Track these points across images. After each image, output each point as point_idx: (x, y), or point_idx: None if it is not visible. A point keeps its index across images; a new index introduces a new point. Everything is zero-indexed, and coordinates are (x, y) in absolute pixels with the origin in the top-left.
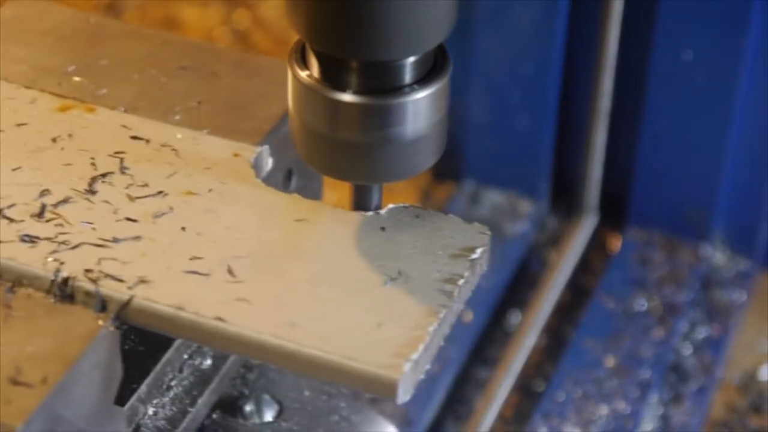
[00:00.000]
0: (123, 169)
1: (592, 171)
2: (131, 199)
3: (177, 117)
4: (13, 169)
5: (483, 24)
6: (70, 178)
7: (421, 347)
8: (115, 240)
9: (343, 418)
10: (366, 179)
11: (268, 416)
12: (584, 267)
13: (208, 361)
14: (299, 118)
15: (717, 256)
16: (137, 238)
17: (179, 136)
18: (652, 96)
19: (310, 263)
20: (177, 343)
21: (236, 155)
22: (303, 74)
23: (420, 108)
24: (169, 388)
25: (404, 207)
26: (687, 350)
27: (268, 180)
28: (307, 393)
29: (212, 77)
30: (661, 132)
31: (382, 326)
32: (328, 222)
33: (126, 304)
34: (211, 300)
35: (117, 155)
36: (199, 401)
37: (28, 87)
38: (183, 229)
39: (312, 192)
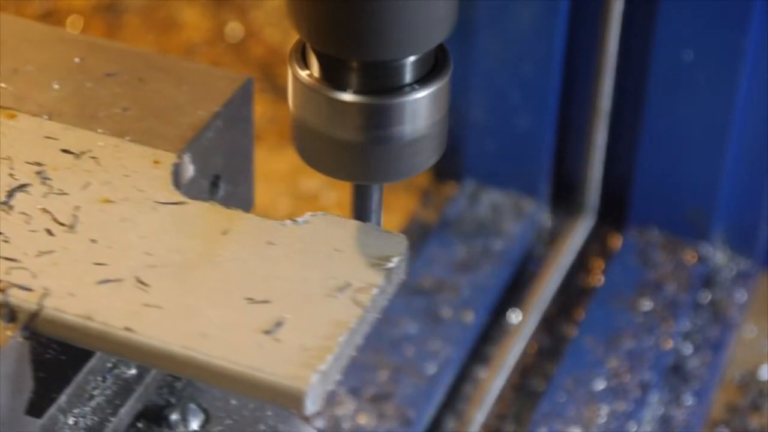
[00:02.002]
0: (42, 179)
1: (592, 171)
2: (46, 209)
3: (101, 124)
4: None
5: (483, 24)
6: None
7: (330, 358)
8: (26, 251)
9: (270, 428)
10: (366, 179)
11: (194, 425)
12: (584, 267)
13: (133, 371)
14: (299, 117)
15: (717, 256)
16: (49, 249)
17: (101, 143)
18: (652, 96)
19: (225, 273)
20: (95, 356)
21: (156, 162)
22: (303, 74)
23: (420, 108)
24: (91, 397)
25: (323, 215)
26: (687, 350)
27: (193, 187)
28: (233, 402)
29: (139, 83)
30: (661, 132)
31: (292, 336)
32: (247, 230)
33: (35, 315)
34: (122, 309)
35: (36, 164)
36: (122, 410)
37: None
38: (95, 239)
39: (241, 199)
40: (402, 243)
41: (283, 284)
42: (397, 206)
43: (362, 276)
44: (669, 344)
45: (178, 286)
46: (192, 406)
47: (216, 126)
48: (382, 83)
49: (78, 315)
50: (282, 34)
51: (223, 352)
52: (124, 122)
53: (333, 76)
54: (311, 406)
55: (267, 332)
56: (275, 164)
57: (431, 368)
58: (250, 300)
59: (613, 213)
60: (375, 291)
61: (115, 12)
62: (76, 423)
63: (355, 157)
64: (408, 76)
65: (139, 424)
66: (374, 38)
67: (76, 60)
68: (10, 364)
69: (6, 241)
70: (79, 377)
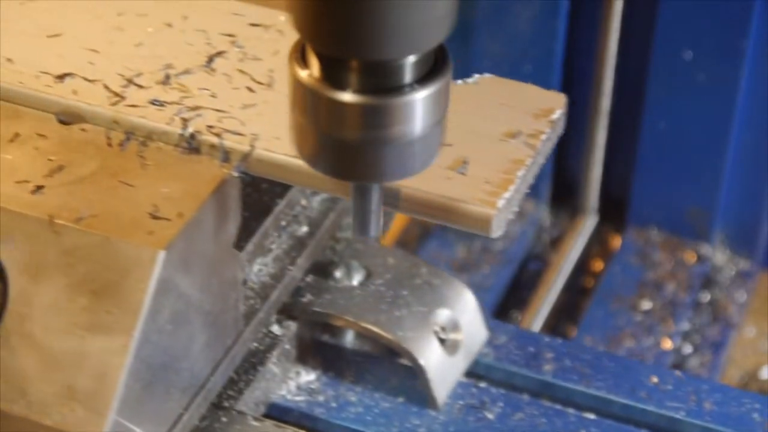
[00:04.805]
0: (236, 47)
1: (592, 171)
2: (244, 71)
3: (278, 5)
4: (135, 45)
5: (483, 24)
6: (189, 54)
7: (512, 188)
8: (232, 104)
9: (425, 282)
10: (366, 179)
11: (357, 280)
12: (584, 267)
13: (304, 228)
14: (299, 117)
15: (717, 256)
16: (252, 102)
17: (282, 18)
18: (652, 96)
19: None
20: (276, 210)
21: None
22: (303, 74)
23: (420, 108)
24: (269, 250)
25: (489, 76)
26: (687, 350)
27: None
28: (390, 260)
29: None
30: (661, 132)
31: (476, 172)
32: None
33: (247, 155)
34: None
35: (229, 35)
36: (298, 261)
37: None
38: None
39: None
40: (562, 98)
41: (462, 131)
42: None
43: (530, 125)
44: (669, 344)
45: None
46: (354, 263)
47: None
48: (382, 83)
49: (286, 154)
50: None
51: (419, 184)
52: None
53: (333, 76)
54: (497, 229)
55: (454, 168)
56: None
57: None
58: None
59: (613, 213)
60: (543, 137)
61: None
62: (260, 270)
63: (355, 157)
64: (408, 76)
65: (308, 278)
66: (374, 38)
67: None
68: (226, 197)
69: (213, 96)
70: (260, 230)
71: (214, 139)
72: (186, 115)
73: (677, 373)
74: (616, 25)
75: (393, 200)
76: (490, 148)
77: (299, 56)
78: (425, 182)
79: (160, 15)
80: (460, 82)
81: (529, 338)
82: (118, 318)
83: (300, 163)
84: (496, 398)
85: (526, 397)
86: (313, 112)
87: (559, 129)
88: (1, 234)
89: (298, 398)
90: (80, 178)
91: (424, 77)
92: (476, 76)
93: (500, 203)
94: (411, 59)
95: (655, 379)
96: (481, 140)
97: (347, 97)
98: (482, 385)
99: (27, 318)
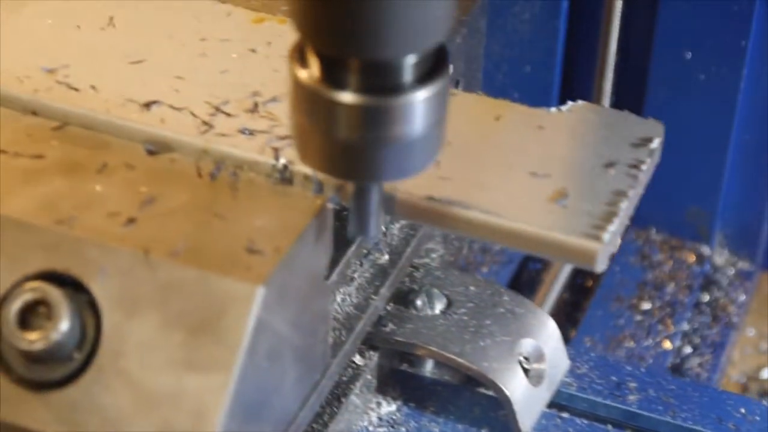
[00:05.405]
0: None
1: None
2: None
3: None
4: (221, 72)
5: None
6: (275, 80)
7: (616, 221)
8: None
9: (508, 311)
10: (366, 179)
11: (438, 308)
12: None
13: (386, 257)
14: (298, 117)
15: (717, 256)
16: None
17: None
18: (653, 96)
19: (504, 151)
20: (358, 240)
21: None
22: (303, 74)
23: (420, 107)
24: (352, 279)
25: (584, 103)
26: (687, 350)
27: None
28: (472, 288)
29: None
30: None
31: (577, 204)
32: (517, 117)
33: (342, 185)
34: (420, 181)
35: None
36: (381, 291)
37: (223, 1)
38: None
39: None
40: (660, 127)
41: (559, 161)
42: None
43: (629, 154)
44: (669, 344)
45: (464, 163)
46: (435, 291)
47: (462, 33)
48: (381, 83)
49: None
50: None
51: (518, 217)
52: None
53: (333, 75)
54: (602, 264)
55: (554, 200)
56: None
57: None
58: (533, 174)
59: None
60: (644, 167)
61: None
62: (343, 300)
63: (354, 157)
64: (408, 76)
65: (389, 307)
66: (374, 37)
67: None
68: (321, 228)
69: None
70: (343, 260)
71: (308, 170)
72: (276, 144)
73: (765, 403)
74: (616, 25)
75: (493, 235)
76: (590, 179)
77: (299, 56)
78: (527, 216)
79: (243, 40)
80: (554, 110)
81: (611, 367)
82: (216, 355)
83: (402, 196)
84: (580, 429)
85: (610, 427)
86: (313, 112)
87: (657, 158)
88: (94, 268)
89: (380, 429)
90: (172, 210)
91: (424, 77)
92: (570, 103)
93: (606, 237)
94: (411, 59)
95: (743, 410)
96: (579, 170)
97: (347, 97)
98: (565, 415)
99: (121, 354)
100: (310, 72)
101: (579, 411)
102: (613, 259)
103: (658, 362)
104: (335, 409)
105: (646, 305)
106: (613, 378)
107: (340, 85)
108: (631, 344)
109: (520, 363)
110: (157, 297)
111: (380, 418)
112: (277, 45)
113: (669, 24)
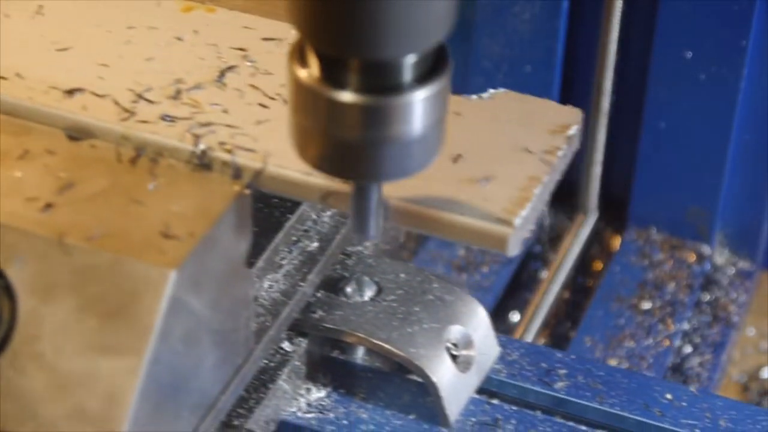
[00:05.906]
0: (248, 62)
1: (592, 171)
2: (255, 86)
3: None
4: (146, 60)
5: (483, 24)
6: (200, 68)
7: (528, 206)
8: (245, 120)
9: (437, 298)
10: (366, 178)
11: (368, 296)
12: (584, 267)
13: (315, 244)
14: (298, 116)
15: (717, 256)
16: (265, 118)
17: (294, 32)
18: (653, 96)
19: None
20: (287, 225)
21: None
22: (302, 73)
23: (420, 107)
24: (280, 266)
25: (504, 91)
26: (687, 350)
27: None
28: (402, 275)
29: None
30: (661, 131)
31: (492, 188)
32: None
33: (259, 172)
34: None
35: (240, 49)
36: (309, 277)
37: None
38: None
39: None
40: (578, 114)
41: (477, 147)
42: None
43: (546, 141)
44: (669, 344)
45: None
46: (366, 278)
47: None
48: (381, 82)
49: (299, 170)
50: None
51: (430, 202)
52: None
53: (332, 75)
54: (513, 248)
55: (468, 185)
56: None
57: None
58: (453, 158)
59: (613, 213)
60: (560, 153)
61: None
62: (270, 287)
63: (354, 157)
64: (408, 76)
65: (319, 294)
66: (374, 36)
67: None
68: (238, 215)
69: (225, 112)
70: (271, 247)
71: (226, 156)
72: (197, 131)
73: (692, 389)
74: (616, 25)
75: (406, 218)
76: (506, 164)
77: (298, 55)
78: (439, 201)
79: (170, 29)
80: (474, 97)
81: (541, 354)
82: (129, 339)
83: (313, 180)
84: (509, 415)
85: (539, 413)
86: (313, 112)
87: (575, 145)
88: (10, 253)
89: (308, 415)
90: (90, 195)
91: (424, 77)
92: (491, 91)
93: (517, 222)
94: (411, 58)
95: (669, 396)
96: (497, 156)
97: (347, 96)
98: (495, 401)
99: (36, 339)
100: (310, 71)
101: (509, 397)
102: (614, 258)
103: (659, 362)
104: (262, 395)
105: (647, 305)
106: (543, 365)
107: (340, 85)
108: (632, 344)
109: (448, 349)
110: (73, 282)
111: (309, 404)
112: (203, 33)
113: (669, 24)
